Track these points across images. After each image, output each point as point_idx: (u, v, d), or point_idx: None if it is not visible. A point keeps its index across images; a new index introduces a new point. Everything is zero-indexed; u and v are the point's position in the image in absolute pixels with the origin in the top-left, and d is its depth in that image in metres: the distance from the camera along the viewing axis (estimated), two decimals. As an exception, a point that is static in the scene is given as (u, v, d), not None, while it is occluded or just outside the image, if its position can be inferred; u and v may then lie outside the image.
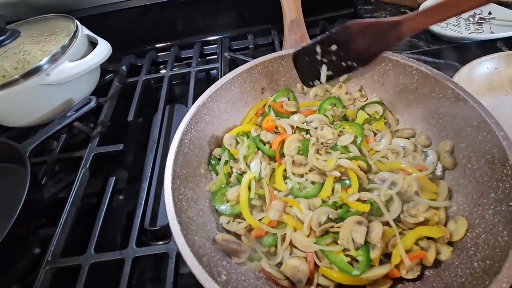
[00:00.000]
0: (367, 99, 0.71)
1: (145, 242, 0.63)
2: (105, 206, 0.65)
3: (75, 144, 0.85)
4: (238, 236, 0.55)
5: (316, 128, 0.64)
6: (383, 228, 0.49)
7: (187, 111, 0.61)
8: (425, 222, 0.50)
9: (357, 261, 0.48)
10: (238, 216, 0.56)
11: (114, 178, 0.70)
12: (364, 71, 0.70)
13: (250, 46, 1.01)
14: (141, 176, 0.71)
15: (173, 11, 1.04)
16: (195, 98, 0.64)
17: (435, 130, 0.61)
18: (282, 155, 0.62)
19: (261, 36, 1.05)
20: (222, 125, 0.68)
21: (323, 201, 0.55)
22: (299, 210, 0.53)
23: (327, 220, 0.51)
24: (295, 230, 0.53)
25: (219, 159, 0.64)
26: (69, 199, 0.66)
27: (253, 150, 0.61)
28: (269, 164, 0.61)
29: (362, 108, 0.68)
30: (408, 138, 0.63)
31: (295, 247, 0.52)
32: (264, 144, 0.64)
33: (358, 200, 0.52)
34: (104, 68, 0.98)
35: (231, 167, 0.62)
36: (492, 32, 0.87)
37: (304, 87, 0.74)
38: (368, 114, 0.67)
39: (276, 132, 0.67)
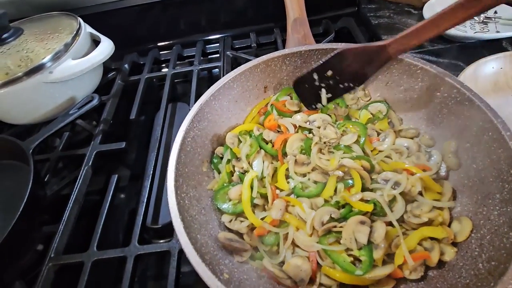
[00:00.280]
0: (370, 98, 0.70)
1: (147, 240, 0.63)
2: (108, 204, 0.65)
3: (77, 142, 0.85)
4: (240, 234, 0.55)
5: (319, 127, 0.63)
6: (387, 228, 0.48)
7: (190, 109, 0.61)
8: (429, 223, 0.50)
9: (360, 261, 0.48)
10: (241, 214, 0.56)
11: (116, 176, 0.70)
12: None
13: (252, 45, 1.00)
14: (143, 174, 0.71)
15: (176, 9, 1.04)
16: (197, 97, 0.64)
17: (439, 130, 0.60)
18: (285, 154, 0.62)
19: (264, 35, 1.04)
20: (225, 124, 0.68)
21: (326, 201, 0.54)
22: (302, 209, 0.53)
23: (330, 219, 0.50)
24: (298, 229, 0.52)
25: (222, 158, 0.64)
26: (71, 196, 0.66)
27: (255, 149, 0.61)
28: (272, 163, 0.61)
29: (366, 107, 0.68)
30: (412, 138, 0.63)
31: (298, 246, 0.52)
32: (267, 143, 0.64)
33: (361, 200, 0.51)
34: (107, 66, 0.98)
35: (234, 166, 0.62)
36: (497, 32, 0.86)
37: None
38: (371, 114, 0.67)
39: (278, 131, 0.67)
